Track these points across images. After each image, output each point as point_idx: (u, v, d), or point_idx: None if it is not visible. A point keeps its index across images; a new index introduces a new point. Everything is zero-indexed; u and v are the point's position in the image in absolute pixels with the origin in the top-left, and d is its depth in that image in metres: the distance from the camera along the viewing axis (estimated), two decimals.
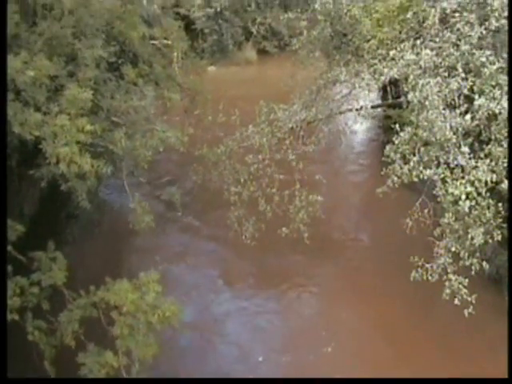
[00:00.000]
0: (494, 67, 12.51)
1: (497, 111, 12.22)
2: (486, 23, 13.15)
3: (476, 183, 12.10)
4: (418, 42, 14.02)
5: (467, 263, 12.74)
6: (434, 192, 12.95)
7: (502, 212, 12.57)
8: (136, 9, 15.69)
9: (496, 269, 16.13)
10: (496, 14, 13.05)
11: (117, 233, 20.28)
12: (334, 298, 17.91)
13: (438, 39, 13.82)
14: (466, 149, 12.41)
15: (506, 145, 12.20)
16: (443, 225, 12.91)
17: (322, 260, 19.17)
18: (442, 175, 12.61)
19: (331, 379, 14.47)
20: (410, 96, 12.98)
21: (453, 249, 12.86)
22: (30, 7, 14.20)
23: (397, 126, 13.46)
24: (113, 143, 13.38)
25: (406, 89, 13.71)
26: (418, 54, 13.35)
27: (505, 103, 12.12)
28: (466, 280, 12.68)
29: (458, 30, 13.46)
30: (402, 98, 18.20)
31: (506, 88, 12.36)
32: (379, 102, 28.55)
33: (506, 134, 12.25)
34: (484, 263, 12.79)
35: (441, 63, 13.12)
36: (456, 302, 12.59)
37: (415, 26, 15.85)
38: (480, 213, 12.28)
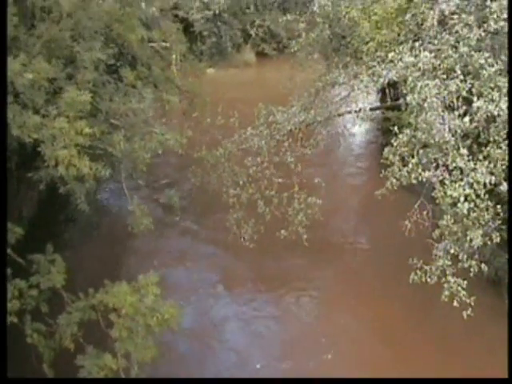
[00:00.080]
0: (493, 69, 12.51)
1: (495, 113, 12.23)
2: (485, 25, 13.16)
3: (475, 185, 12.12)
4: (417, 44, 14.01)
5: (466, 265, 12.77)
6: (433, 194, 12.96)
7: (501, 214, 12.59)
8: (134, 11, 15.66)
9: (495, 271, 16.13)
10: (494, 16, 13.05)
11: (115, 236, 20.26)
12: (333, 301, 17.87)
13: (436, 41, 13.83)
14: (464, 151, 12.41)
15: (504, 147, 12.20)
16: (442, 227, 12.93)
17: (321, 262, 19.15)
18: (441, 177, 12.62)
19: (331, 379, 14.45)
20: (408, 98, 12.99)
21: (451, 251, 12.88)
22: (29, 10, 14.19)
23: (395, 128, 13.47)
24: (111, 146, 13.38)
25: (404, 91, 13.71)
26: (416, 56, 13.36)
27: (503, 105, 12.13)
28: (465, 282, 12.70)
29: (457, 32, 13.47)
30: (401, 100, 18.18)
31: (504, 90, 12.36)
32: (378, 104, 28.54)
33: (504, 136, 12.26)
34: (483, 265, 12.82)
35: (439, 65, 13.12)
36: (455, 303, 12.61)
37: (414, 28, 15.86)
38: (479, 215, 12.29)
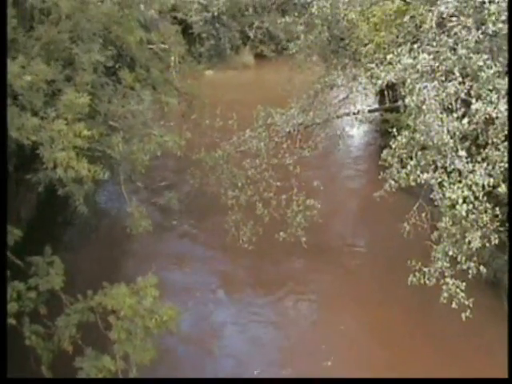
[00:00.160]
0: (491, 71, 12.50)
1: (494, 115, 12.21)
2: (483, 27, 13.15)
3: (473, 187, 12.11)
4: (416, 46, 14.00)
5: (464, 267, 12.78)
6: (432, 196, 12.97)
7: (499, 216, 12.60)
8: (133, 13, 15.64)
9: (493, 272, 16.13)
10: (493, 18, 13.03)
11: (114, 238, 20.26)
12: (331, 304, 17.83)
13: (435, 43, 13.82)
14: (463, 153, 12.40)
15: (503, 149, 12.20)
16: (440, 229, 12.93)
17: (320, 264, 19.16)
18: (440, 179, 12.62)
19: (331, 379, 14.45)
20: (407, 100, 12.98)
21: (450, 253, 12.87)
22: (28, 12, 14.18)
23: (394, 130, 13.48)
24: (110, 148, 13.36)
25: (403, 93, 13.69)
26: (415, 58, 13.34)
27: (502, 107, 12.12)
28: (464, 284, 12.70)
29: (456, 34, 13.46)
30: (400, 102, 18.24)
31: (503, 92, 12.36)
32: (376, 106, 28.61)
33: (503, 138, 12.26)
34: (481, 267, 12.82)
35: (438, 67, 13.11)
36: (453, 305, 12.61)
37: (412, 30, 15.87)
38: (477, 217, 12.29)
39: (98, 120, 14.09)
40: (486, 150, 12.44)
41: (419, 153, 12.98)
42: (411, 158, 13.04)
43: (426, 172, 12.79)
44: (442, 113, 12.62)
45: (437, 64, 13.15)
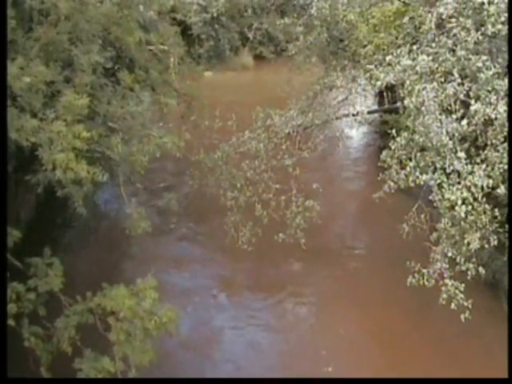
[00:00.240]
0: (490, 72, 12.51)
1: (493, 116, 12.22)
2: (482, 28, 13.15)
3: (472, 188, 12.11)
4: (415, 47, 14.02)
5: (463, 268, 12.78)
6: (431, 197, 12.96)
7: (499, 217, 12.61)
8: (132, 14, 15.61)
9: (492, 273, 16.15)
10: (492, 20, 13.03)
11: (113, 240, 20.25)
12: (331, 306, 17.80)
13: (434, 44, 13.81)
14: (462, 154, 12.41)
15: (502, 150, 12.21)
16: (439, 230, 12.94)
17: (319, 266, 19.15)
18: (439, 180, 12.62)
19: (331, 379, 14.45)
20: (406, 101, 12.98)
21: (449, 254, 12.89)
22: (26, 13, 14.15)
23: (393, 131, 13.47)
24: (109, 149, 13.33)
25: (402, 94, 13.72)
26: (414, 59, 13.35)
27: (501, 108, 12.13)
28: (463, 285, 12.70)
29: (455, 35, 13.46)
30: (399, 104, 18.25)
31: (502, 93, 12.37)
32: (376, 107, 28.67)
33: (502, 139, 12.26)
34: (480, 268, 12.82)
35: (437, 68, 13.11)
36: (452, 306, 12.61)
37: (411, 31, 15.89)
38: (476, 218, 12.29)
39: (97, 121, 14.08)
40: (485, 152, 12.45)
41: (418, 154, 12.98)
42: (410, 160, 13.05)
43: (425, 173, 12.80)
44: (441, 114, 12.62)
45: (436, 65, 13.15)
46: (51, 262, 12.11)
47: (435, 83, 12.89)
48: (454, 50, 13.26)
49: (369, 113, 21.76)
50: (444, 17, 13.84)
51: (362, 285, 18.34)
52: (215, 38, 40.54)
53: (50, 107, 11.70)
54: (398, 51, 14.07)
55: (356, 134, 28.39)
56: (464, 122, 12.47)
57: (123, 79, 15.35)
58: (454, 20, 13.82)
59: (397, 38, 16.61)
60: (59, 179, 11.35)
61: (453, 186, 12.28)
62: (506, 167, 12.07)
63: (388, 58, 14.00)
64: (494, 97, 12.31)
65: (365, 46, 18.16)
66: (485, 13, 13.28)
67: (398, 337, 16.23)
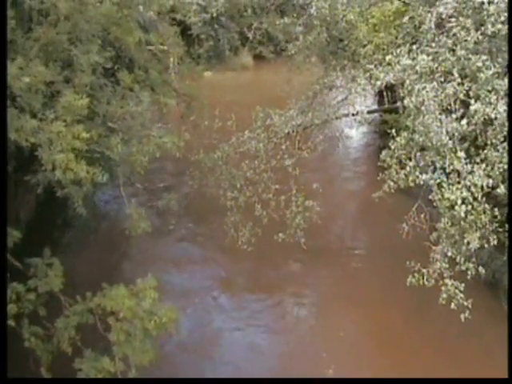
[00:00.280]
0: (490, 72, 12.50)
1: (493, 116, 12.22)
2: (482, 28, 13.15)
3: (472, 188, 12.11)
4: (415, 47, 14.01)
5: (463, 268, 12.78)
6: (431, 197, 12.96)
7: (498, 217, 12.60)
8: (132, 14, 15.60)
9: (492, 273, 16.16)
10: (492, 19, 13.03)
11: (113, 240, 20.24)
12: (331, 306, 17.78)
13: (434, 44, 13.81)
14: (462, 154, 12.40)
15: (501, 149, 12.21)
16: (439, 230, 12.94)
17: (319, 266, 19.14)
18: (438, 180, 12.62)
19: (331, 379, 14.44)
20: (406, 101, 12.98)
21: (449, 254, 12.89)
22: (26, 13, 14.15)
23: (393, 131, 13.47)
24: (109, 149, 13.32)
25: (402, 94, 13.72)
26: (414, 58, 13.35)
27: (501, 108, 12.13)
28: (462, 285, 12.70)
29: (454, 35, 13.46)
30: (399, 103, 18.26)
31: (502, 93, 12.37)
32: (375, 107, 28.67)
33: (502, 139, 12.26)
34: (480, 268, 12.81)
35: (437, 68, 13.11)
36: (452, 306, 12.61)
37: (411, 30, 15.86)
38: (476, 217, 12.29)
39: (97, 121, 14.06)
40: (485, 151, 12.44)
41: (418, 154, 12.98)
42: (410, 159, 13.05)
43: (425, 173, 12.80)
44: (440, 114, 12.62)
45: (436, 65, 13.15)
46: (51, 263, 12.10)
47: (435, 83, 12.89)
48: (453, 50, 13.25)
49: (368, 112, 21.74)
50: (444, 16, 13.86)
51: (362, 285, 18.33)
52: (215, 38, 40.58)
53: (50, 107, 11.69)
54: (398, 51, 14.06)
55: (356, 134, 28.41)
56: (464, 121, 12.47)
57: (123, 79, 15.33)
58: (453, 20, 13.83)
59: (396, 38, 16.58)
60: (59, 179, 11.34)
61: (453, 185, 12.27)
62: (505, 167, 12.06)
63: (388, 57, 14.00)
64: (494, 96, 12.31)
65: (364, 46, 18.13)
66: (485, 12, 13.28)
67: (397, 337, 16.23)
